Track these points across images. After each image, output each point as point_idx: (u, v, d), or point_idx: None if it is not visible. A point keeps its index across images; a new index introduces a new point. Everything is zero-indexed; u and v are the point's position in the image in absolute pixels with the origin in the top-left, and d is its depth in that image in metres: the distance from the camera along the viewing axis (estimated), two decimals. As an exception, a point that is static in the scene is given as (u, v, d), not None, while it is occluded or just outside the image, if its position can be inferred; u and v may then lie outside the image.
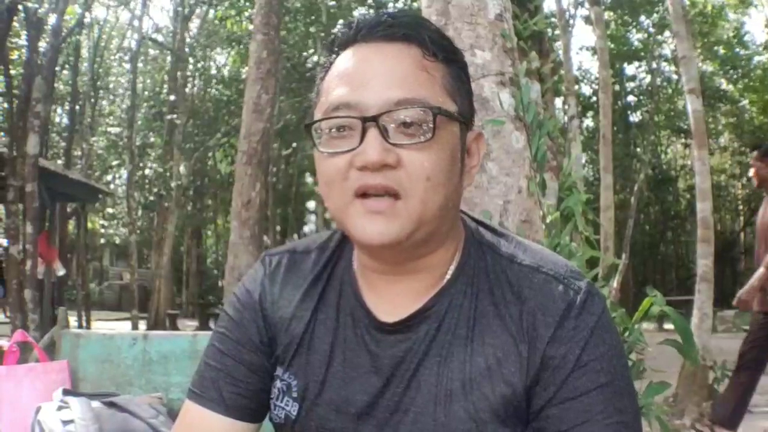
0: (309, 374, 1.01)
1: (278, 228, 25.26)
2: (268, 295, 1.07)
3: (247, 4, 17.20)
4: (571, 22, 19.84)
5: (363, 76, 0.93)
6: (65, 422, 1.84)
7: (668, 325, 13.54)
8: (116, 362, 2.38)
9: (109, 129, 24.22)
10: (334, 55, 0.99)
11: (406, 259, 0.97)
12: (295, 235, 25.70)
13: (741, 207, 29.01)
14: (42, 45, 10.81)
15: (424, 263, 0.98)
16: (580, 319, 0.93)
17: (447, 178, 0.94)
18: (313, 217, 25.55)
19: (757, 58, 24.67)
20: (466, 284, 0.99)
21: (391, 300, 1.00)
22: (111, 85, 24.51)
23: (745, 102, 25.57)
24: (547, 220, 2.80)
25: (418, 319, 0.98)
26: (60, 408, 1.87)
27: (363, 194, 0.91)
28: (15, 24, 11.35)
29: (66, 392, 1.97)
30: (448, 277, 1.00)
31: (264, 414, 1.08)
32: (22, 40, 11.60)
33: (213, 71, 24.60)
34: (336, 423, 0.99)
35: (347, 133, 0.92)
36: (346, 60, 0.96)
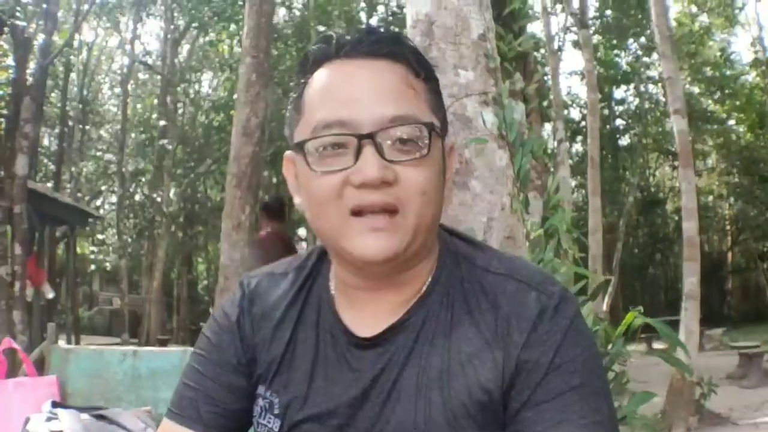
0: (291, 391, 1.03)
1: (269, 252, 25.09)
2: (247, 317, 1.09)
3: (239, 27, 17.30)
4: (560, 45, 20.06)
5: (352, 93, 0.93)
6: (54, 434, 1.84)
7: (657, 345, 13.60)
8: (106, 377, 2.38)
9: (98, 153, 24.16)
10: (310, 73, 0.99)
11: (393, 273, 0.98)
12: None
13: (728, 227, 29.15)
14: (31, 66, 10.78)
15: (406, 277, 1.00)
16: (552, 323, 0.94)
17: (438, 191, 0.96)
18: (304, 244, 25.48)
19: (743, 78, 24.93)
20: (442, 294, 1.00)
21: (371, 314, 1.01)
22: (101, 109, 24.50)
23: (731, 122, 25.78)
24: (531, 237, 2.83)
25: (396, 332, 0.99)
26: (49, 419, 1.87)
27: (357, 212, 0.92)
28: (2, 43, 11.34)
29: (55, 404, 1.98)
30: (424, 288, 1.01)
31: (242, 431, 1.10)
32: (10, 60, 11.58)
33: (203, 95, 24.65)
34: None
35: (341, 151, 0.92)
36: (328, 76, 0.96)
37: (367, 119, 0.91)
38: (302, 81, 1.00)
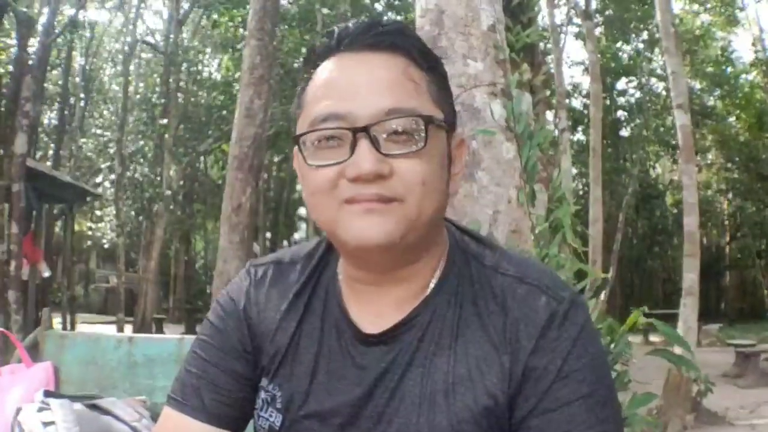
0: (293, 385, 1.01)
1: (268, 235, 25.17)
2: (254, 305, 1.07)
3: (241, 10, 17.18)
4: (563, 36, 20.00)
5: (350, 86, 0.92)
6: (46, 424, 1.80)
7: (654, 338, 13.64)
8: (101, 364, 2.35)
9: (97, 131, 24.09)
10: (313, 67, 0.98)
11: (394, 266, 0.96)
12: (285, 242, 25.62)
13: (727, 222, 29.21)
14: (33, 44, 10.71)
15: (410, 271, 0.98)
16: (562, 329, 0.93)
17: (439, 184, 0.94)
18: (303, 225, 25.49)
19: (743, 76, 25.00)
20: (450, 294, 0.98)
21: (376, 310, 0.99)
22: (102, 88, 24.41)
23: (731, 119, 25.86)
24: (536, 231, 2.80)
25: (402, 330, 0.97)
26: (41, 409, 1.84)
27: (351, 201, 0.90)
28: (5, 22, 11.25)
29: (47, 393, 1.94)
30: (432, 286, 0.99)
31: (245, 423, 1.08)
32: (12, 40, 11.49)
33: (205, 75, 24.54)
34: None
35: (336, 144, 0.91)
36: (329, 70, 0.95)
37: (362, 112, 0.90)
38: (306, 76, 0.99)
